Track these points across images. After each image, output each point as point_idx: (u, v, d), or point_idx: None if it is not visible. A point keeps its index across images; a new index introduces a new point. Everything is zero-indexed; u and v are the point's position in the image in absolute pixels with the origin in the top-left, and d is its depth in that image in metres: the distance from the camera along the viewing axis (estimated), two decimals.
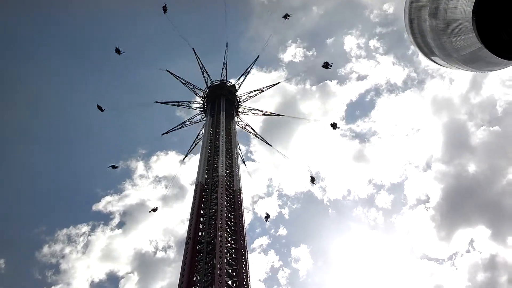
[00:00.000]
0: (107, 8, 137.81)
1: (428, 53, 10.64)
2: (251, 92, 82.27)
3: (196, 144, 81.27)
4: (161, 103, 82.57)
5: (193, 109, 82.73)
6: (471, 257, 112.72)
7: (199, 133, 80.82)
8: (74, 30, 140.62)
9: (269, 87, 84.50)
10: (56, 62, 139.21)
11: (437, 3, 9.32)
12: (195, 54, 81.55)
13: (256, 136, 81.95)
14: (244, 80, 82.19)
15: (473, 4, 8.75)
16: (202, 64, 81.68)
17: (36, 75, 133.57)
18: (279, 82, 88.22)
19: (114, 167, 79.90)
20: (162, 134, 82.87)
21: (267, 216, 76.23)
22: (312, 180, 75.65)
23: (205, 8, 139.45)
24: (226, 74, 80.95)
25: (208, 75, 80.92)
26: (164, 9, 77.31)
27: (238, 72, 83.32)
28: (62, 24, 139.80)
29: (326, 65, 75.40)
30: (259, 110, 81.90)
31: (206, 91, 79.45)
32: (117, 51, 75.40)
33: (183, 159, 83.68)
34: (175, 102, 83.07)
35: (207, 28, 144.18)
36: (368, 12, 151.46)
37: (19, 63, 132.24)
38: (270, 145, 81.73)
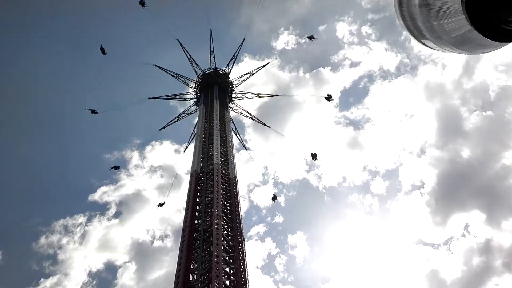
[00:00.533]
0: (88, 6, 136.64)
1: (419, 36, 10.58)
2: (242, 76, 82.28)
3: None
4: (154, 98, 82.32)
5: (186, 100, 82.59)
6: (466, 241, 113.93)
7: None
8: (54, 30, 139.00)
9: (259, 68, 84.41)
10: (45, 58, 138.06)
11: None
12: (181, 45, 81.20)
13: (253, 119, 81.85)
14: (233, 65, 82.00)
15: None
16: (189, 54, 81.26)
17: (27, 69, 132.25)
18: (268, 63, 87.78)
19: (116, 168, 79.91)
20: (160, 129, 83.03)
21: (274, 197, 75.43)
22: (314, 157, 74.88)
23: None
24: (215, 62, 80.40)
25: (197, 65, 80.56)
26: (142, 3, 75.23)
27: (228, 61, 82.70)
28: (43, 23, 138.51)
29: (310, 37, 76.41)
30: (252, 93, 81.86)
31: (198, 81, 79.24)
32: (102, 50, 74.35)
33: (184, 151, 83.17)
34: (168, 96, 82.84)
35: (192, 18, 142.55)
36: None
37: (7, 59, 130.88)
38: (268, 126, 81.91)
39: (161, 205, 71.68)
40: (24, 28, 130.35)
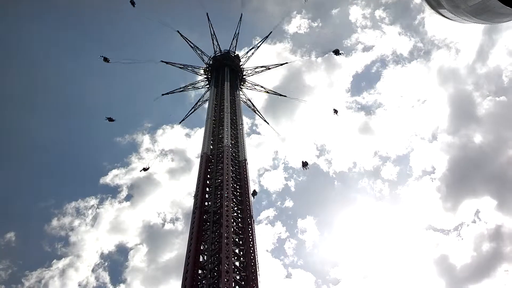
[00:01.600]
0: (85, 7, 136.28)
1: (436, 6, 10.34)
2: (257, 67, 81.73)
3: (195, 110, 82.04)
4: (167, 63, 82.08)
5: (198, 74, 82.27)
6: (477, 227, 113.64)
7: (199, 100, 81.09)
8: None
9: (276, 65, 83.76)
10: (55, 38, 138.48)
11: None
12: (182, 36, 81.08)
13: (255, 112, 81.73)
14: (252, 54, 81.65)
15: None
16: (192, 43, 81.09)
17: (38, 51, 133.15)
18: (286, 63, 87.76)
19: (110, 119, 77.94)
20: (163, 94, 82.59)
21: (305, 164, 74.54)
22: (305, 165, 74.30)
23: None
24: (218, 45, 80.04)
25: (202, 51, 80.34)
26: (132, 3, 76.11)
27: (246, 44, 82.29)
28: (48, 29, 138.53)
29: (336, 52, 77.24)
30: (262, 87, 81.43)
31: (208, 67, 79.10)
32: (105, 59, 75.72)
33: (180, 122, 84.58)
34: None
35: (186, 7, 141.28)
36: None
37: (21, 41, 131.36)
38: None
39: (145, 169, 74.42)
40: (34, 28, 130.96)
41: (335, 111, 76.76)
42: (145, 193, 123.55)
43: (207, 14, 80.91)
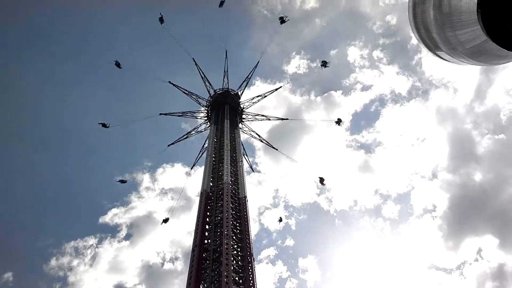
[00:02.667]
0: (104, 21, 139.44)
1: (433, 48, 10.59)
2: (253, 98, 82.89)
3: (202, 154, 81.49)
4: (166, 114, 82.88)
5: (197, 118, 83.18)
6: (479, 266, 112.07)
7: (205, 143, 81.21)
8: (73, 45, 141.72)
9: (271, 92, 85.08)
10: (59, 76, 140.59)
11: None
12: (196, 64, 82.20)
13: (262, 141, 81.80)
14: (246, 86, 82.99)
15: None
16: (203, 73, 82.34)
17: (40, 88, 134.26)
18: (280, 87, 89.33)
19: (122, 181, 79.20)
20: (169, 145, 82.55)
21: (322, 180, 73.86)
22: (322, 181, 74.48)
23: (204, 17, 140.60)
24: (228, 83, 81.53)
25: (210, 84, 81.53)
26: (161, 20, 77.40)
27: (241, 82, 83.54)
28: (59, 38, 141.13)
29: (324, 64, 76.71)
30: (263, 116, 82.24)
31: (209, 100, 79.80)
32: (117, 65, 76.16)
33: (191, 168, 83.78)
34: (179, 113, 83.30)
35: (208, 38, 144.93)
36: (371, 23, 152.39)
37: (24, 77, 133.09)
38: (276, 149, 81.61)
39: (165, 221, 71.34)
40: (39, 45, 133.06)
41: (339, 121, 76.08)
42: (144, 232, 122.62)
43: (226, 51, 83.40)
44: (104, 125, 75.30)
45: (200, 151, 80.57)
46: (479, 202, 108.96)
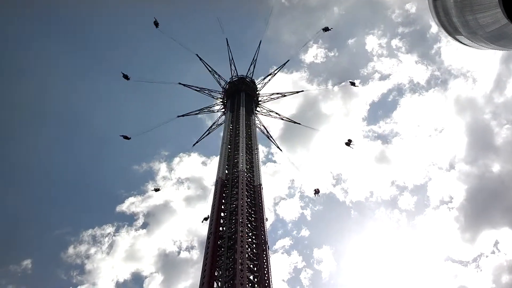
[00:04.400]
0: (105, 30, 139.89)
1: (453, 32, 10.36)
2: (273, 94, 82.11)
3: (209, 133, 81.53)
4: (183, 116, 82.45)
5: (214, 112, 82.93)
6: (496, 258, 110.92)
7: (214, 123, 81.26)
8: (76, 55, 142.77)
9: (292, 93, 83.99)
10: (75, 75, 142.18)
11: None
12: (200, 59, 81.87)
13: (269, 138, 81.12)
14: (269, 81, 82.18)
15: None
16: (210, 67, 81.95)
17: (54, 81, 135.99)
18: (302, 91, 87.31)
19: (125, 137, 76.58)
20: (193, 145, 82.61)
21: (317, 191, 71.88)
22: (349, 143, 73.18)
23: (199, 9, 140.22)
24: (236, 70, 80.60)
25: (219, 76, 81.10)
26: (156, 24, 77.22)
27: (261, 72, 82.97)
28: (67, 44, 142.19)
29: (326, 29, 77.13)
30: (277, 114, 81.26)
31: (223, 91, 79.65)
32: (125, 76, 76.86)
33: (193, 145, 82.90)
34: (196, 111, 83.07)
35: (207, 31, 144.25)
36: (390, 12, 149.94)
37: (44, 75, 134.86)
38: (299, 123, 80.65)
39: (156, 190, 74.44)
40: (54, 51, 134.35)
41: (349, 142, 74.99)
42: (161, 221, 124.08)
43: (226, 39, 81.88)
44: (125, 137, 75.72)
45: (208, 131, 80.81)
46: (497, 193, 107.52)
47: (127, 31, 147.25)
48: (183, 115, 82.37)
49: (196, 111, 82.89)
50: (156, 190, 79.81)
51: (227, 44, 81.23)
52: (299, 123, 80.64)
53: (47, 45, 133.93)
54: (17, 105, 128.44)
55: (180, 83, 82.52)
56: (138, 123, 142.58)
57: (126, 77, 76.99)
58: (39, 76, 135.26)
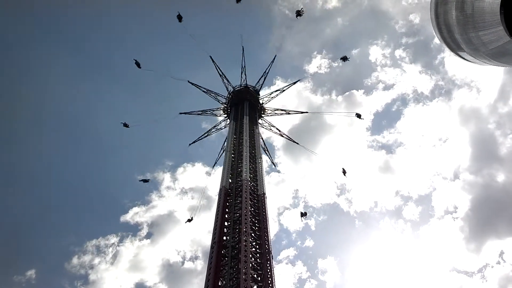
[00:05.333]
0: (122, 20, 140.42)
1: (455, 48, 10.42)
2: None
3: (223, 153, 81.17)
4: (186, 113, 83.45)
5: (217, 116, 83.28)
6: (501, 269, 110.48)
7: (225, 141, 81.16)
8: (92, 47, 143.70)
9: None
10: (78, 78, 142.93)
11: None
12: (213, 61, 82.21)
13: (282, 136, 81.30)
14: (264, 81, 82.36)
15: None
16: (221, 70, 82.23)
17: (60, 87, 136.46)
18: (299, 80, 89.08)
19: (145, 181, 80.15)
20: (190, 144, 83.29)
21: (303, 214, 73.42)
22: (344, 172, 73.57)
23: (222, 15, 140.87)
24: (246, 79, 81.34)
25: (228, 81, 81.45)
26: (179, 18, 77.39)
27: (267, 82, 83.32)
28: (81, 39, 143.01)
29: (344, 58, 75.68)
30: (282, 110, 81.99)
31: (228, 97, 79.90)
32: (137, 64, 76.94)
33: (212, 167, 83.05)
34: (199, 111, 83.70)
35: (225, 35, 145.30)
36: (394, 22, 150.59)
37: (46, 77, 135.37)
38: (297, 143, 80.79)
39: (189, 220, 71.57)
40: (58, 47, 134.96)
41: (344, 172, 74.85)
42: (165, 231, 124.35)
43: (242, 47, 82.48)
44: (125, 125, 76.46)
45: (222, 149, 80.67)
46: (501, 203, 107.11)
47: (145, 21, 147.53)
48: (185, 113, 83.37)
49: (199, 111, 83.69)
50: (145, 181, 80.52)
51: (243, 53, 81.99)
52: (298, 143, 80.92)
53: (53, 43, 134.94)
54: (22, 112, 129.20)
55: (189, 81, 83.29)
56: (141, 114, 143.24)
57: (138, 64, 77.02)
58: (42, 78, 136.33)
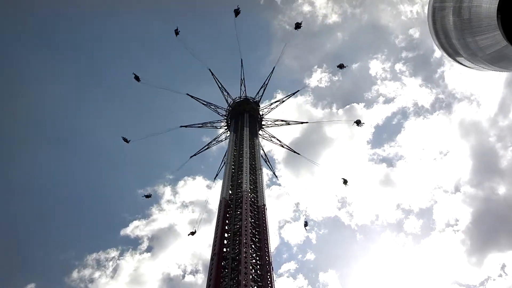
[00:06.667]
0: (121, 35, 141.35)
1: (453, 54, 10.49)
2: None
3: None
4: (186, 126, 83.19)
5: (217, 128, 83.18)
6: (503, 282, 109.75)
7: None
8: (92, 61, 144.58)
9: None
10: (80, 91, 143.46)
11: (461, 2, 9.20)
12: (212, 74, 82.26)
13: (283, 146, 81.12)
14: (263, 93, 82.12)
15: (497, 1, 8.60)
16: (220, 83, 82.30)
17: (59, 103, 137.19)
18: (298, 91, 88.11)
19: (147, 196, 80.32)
20: (191, 157, 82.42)
21: (306, 224, 73.33)
22: (345, 182, 74.04)
23: (221, 28, 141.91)
24: (245, 91, 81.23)
25: (228, 93, 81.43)
26: (176, 32, 78.67)
27: (266, 95, 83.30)
28: (80, 53, 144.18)
29: (341, 66, 76.92)
30: (282, 120, 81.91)
31: (228, 109, 79.93)
32: (136, 78, 77.91)
33: (214, 179, 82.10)
34: (199, 124, 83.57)
35: (224, 48, 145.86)
36: (393, 37, 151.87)
37: (47, 95, 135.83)
38: (298, 153, 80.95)
39: (192, 233, 71.24)
40: (57, 60, 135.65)
41: (345, 181, 74.68)
42: (165, 245, 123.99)
43: (241, 60, 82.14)
44: (125, 140, 77.00)
45: (222, 162, 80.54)
46: (503, 216, 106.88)
47: (144, 35, 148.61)
48: (186, 126, 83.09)
49: (199, 124, 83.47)
50: (148, 196, 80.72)
51: (241, 65, 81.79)
52: (299, 153, 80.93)
53: (54, 52, 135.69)
54: (22, 125, 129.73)
55: (188, 94, 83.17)
56: (141, 128, 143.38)
57: (137, 78, 77.90)
58: (41, 91, 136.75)
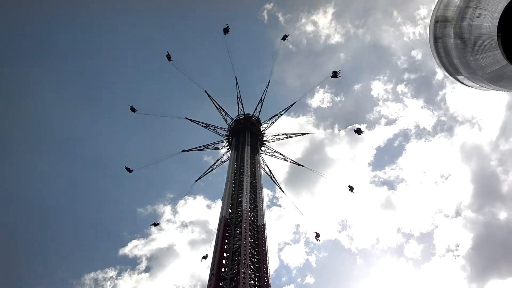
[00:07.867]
0: (116, 66, 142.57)
1: (454, 72, 10.52)
2: (278, 134, 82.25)
3: (212, 170, 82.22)
4: (188, 151, 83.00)
5: (219, 149, 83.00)
6: None
7: (218, 160, 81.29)
8: (88, 90, 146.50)
9: (297, 134, 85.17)
10: (78, 117, 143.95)
11: (462, 20, 9.27)
12: (208, 95, 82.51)
13: (272, 179, 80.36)
14: (275, 121, 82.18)
15: (498, 20, 8.66)
16: (217, 104, 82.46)
17: (67, 123, 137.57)
18: (307, 133, 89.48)
19: (128, 170, 79.42)
20: (196, 180, 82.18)
21: (317, 235, 72.52)
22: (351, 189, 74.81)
23: (212, 47, 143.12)
24: (243, 108, 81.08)
25: (226, 113, 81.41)
26: (168, 57, 79.68)
27: (267, 114, 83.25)
28: (78, 81, 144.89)
29: (335, 74, 76.70)
30: (281, 155, 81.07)
31: (229, 128, 79.92)
32: (132, 109, 79.44)
33: (196, 181, 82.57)
34: (200, 147, 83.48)
35: (218, 68, 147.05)
36: (396, 58, 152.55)
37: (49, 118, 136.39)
38: (303, 166, 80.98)
39: (204, 257, 69.59)
40: (60, 82, 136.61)
41: (351, 188, 75.18)
42: (164, 265, 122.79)
43: (236, 78, 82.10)
44: (128, 170, 77.86)
45: (211, 167, 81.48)
46: (504, 242, 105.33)
47: (137, 63, 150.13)
48: (187, 150, 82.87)
49: (201, 147, 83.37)
50: (156, 224, 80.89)
51: (236, 83, 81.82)
52: (303, 166, 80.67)
53: (52, 77, 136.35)
54: (22, 144, 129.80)
55: (187, 118, 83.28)
56: (143, 157, 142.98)
57: (133, 109, 79.12)
58: (41, 110, 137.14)
